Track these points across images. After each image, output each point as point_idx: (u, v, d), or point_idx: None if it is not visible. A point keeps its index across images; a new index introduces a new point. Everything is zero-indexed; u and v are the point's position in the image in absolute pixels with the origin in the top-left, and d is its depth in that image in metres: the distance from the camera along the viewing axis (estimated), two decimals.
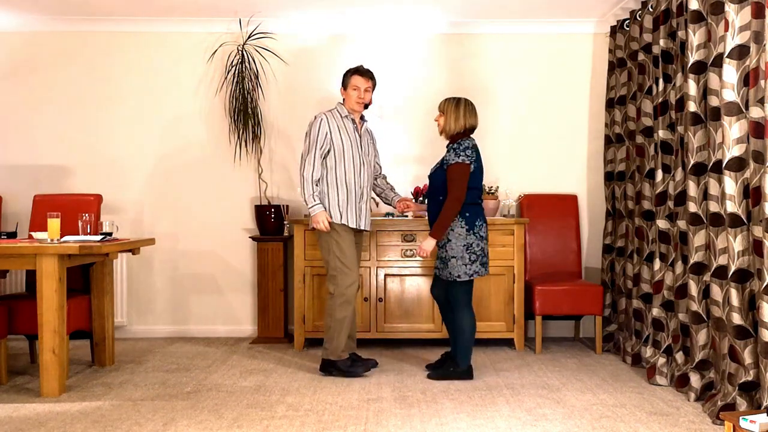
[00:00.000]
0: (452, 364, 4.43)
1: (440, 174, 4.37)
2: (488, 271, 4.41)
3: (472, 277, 4.31)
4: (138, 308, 5.87)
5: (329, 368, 4.49)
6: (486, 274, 4.41)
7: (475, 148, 4.34)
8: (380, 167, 4.81)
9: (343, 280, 4.40)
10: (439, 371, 4.45)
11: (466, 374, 4.40)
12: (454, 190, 4.25)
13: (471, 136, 4.40)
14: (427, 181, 5.45)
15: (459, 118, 4.37)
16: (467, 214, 4.30)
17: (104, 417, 3.66)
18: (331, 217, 4.43)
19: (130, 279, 5.83)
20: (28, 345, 5.24)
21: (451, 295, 4.41)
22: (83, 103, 5.86)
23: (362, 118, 4.63)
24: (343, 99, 4.58)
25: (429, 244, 4.32)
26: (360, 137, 4.54)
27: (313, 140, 4.43)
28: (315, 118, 4.50)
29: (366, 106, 4.60)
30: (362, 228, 4.55)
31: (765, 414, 2.86)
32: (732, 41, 3.48)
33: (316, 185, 4.42)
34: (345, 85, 4.56)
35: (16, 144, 5.85)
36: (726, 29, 3.50)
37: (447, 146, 4.43)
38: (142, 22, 5.79)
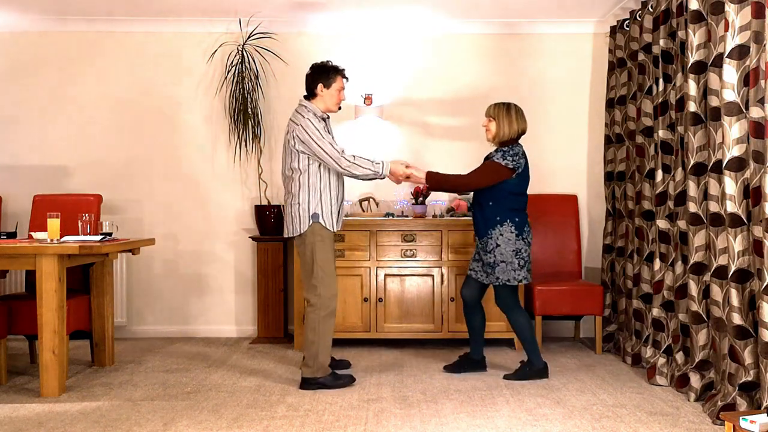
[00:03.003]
0: (528, 364, 4.39)
1: None
2: (531, 279, 4.32)
3: (521, 282, 4.29)
4: (138, 308, 5.87)
5: (312, 386, 4.13)
6: (530, 282, 4.35)
7: (523, 155, 4.31)
8: None
9: (325, 290, 4.11)
10: (516, 372, 4.39)
11: (543, 372, 4.38)
12: (477, 176, 4.22)
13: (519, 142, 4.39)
14: None
15: (512, 123, 4.33)
16: (516, 220, 4.27)
17: (104, 417, 3.66)
18: (325, 224, 4.12)
19: (130, 279, 5.83)
20: (28, 345, 5.24)
21: (500, 300, 4.37)
22: (83, 103, 5.86)
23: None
24: (313, 96, 4.23)
25: (415, 176, 4.24)
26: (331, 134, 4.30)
27: (320, 136, 4.06)
28: (306, 121, 4.10)
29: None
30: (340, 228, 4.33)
31: (765, 414, 2.85)
32: (732, 41, 3.48)
33: (352, 156, 4.10)
34: (327, 84, 4.21)
35: (16, 144, 5.85)
36: (726, 29, 3.50)
37: (496, 150, 4.35)
38: (142, 23, 5.79)
